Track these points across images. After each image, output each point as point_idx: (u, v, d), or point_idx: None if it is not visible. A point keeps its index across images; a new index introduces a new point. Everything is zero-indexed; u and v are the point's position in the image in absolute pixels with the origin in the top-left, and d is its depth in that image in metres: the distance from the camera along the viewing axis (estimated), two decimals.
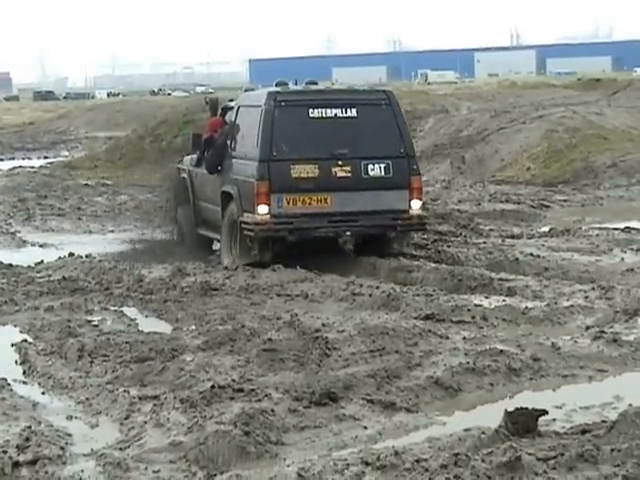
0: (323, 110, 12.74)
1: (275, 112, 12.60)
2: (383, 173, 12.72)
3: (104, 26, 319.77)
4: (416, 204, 12.86)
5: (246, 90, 14.73)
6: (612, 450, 5.71)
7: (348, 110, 12.80)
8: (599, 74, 70.78)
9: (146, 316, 10.56)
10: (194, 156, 14.89)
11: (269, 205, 12.47)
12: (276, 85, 13.64)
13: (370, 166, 12.68)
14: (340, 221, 12.61)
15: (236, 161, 13.25)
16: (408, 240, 13.31)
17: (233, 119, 13.65)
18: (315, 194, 12.59)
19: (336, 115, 12.76)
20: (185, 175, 15.38)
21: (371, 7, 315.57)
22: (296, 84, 14.31)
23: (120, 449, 6.39)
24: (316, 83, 14.32)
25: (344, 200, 12.63)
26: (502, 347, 8.36)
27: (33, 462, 6.10)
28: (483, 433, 6.10)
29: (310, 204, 12.59)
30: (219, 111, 14.74)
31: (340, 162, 12.61)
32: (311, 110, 12.70)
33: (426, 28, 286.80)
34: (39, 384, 8.09)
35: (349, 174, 12.62)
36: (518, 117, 28.59)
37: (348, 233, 12.56)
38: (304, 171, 12.53)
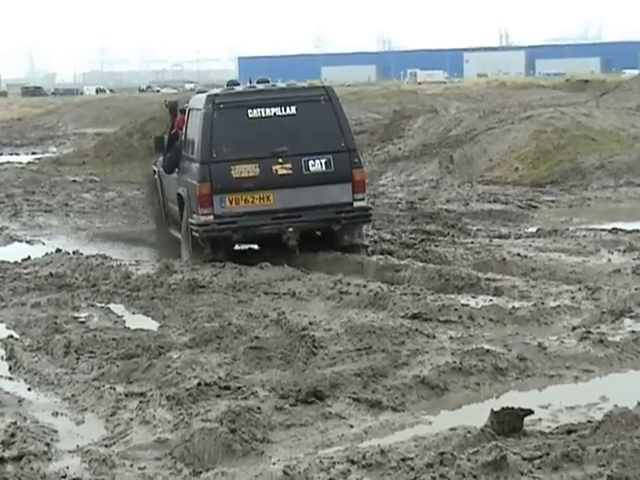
0: (262, 110, 12.87)
1: (214, 114, 12.77)
2: (324, 168, 12.84)
3: (93, 22, 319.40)
4: (359, 197, 12.98)
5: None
6: (597, 450, 5.72)
7: (287, 108, 12.93)
8: (588, 75, 71.14)
9: (133, 313, 10.55)
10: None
11: (212, 206, 12.60)
12: (227, 85, 13.77)
13: (311, 162, 12.81)
14: (283, 217, 12.75)
15: (187, 163, 13.47)
16: (360, 232, 13.37)
17: (185, 122, 13.83)
18: (257, 192, 12.73)
19: (275, 114, 12.90)
20: (157, 176, 15.59)
21: (361, 6, 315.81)
22: (250, 83, 14.27)
23: (106, 446, 6.39)
24: (268, 81, 14.27)
25: (286, 197, 12.76)
26: (489, 347, 8.36)
27: (18, 458, 6.10)
28: (469, 432, 6.11)
29: (253, 202, 12.71)
30: (178, 113, 14.84)
31: (280, 160, 12.74)
32: (250, 110, 12.84)
33: (416, 28, 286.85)
34: (25, 380, 8.08)
35: (290, 171, 12.76)
36: (507, 117, 28.56)
37: (291, 229, 12.68)
38: (245, 171, 12.67)
